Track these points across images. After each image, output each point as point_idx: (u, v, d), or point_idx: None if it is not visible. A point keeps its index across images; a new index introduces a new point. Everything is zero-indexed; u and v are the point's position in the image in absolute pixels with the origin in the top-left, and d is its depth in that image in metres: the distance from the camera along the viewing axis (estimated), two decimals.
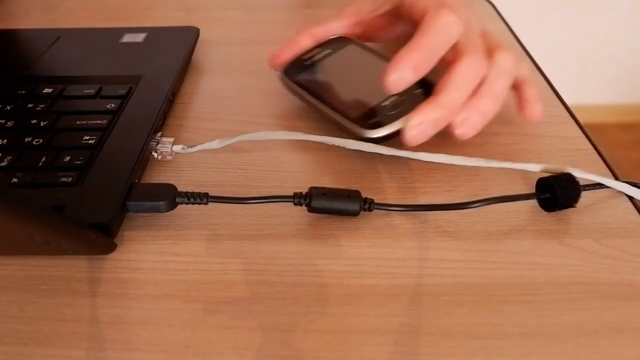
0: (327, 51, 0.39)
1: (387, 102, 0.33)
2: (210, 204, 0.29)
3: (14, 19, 0.53)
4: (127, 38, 0.45)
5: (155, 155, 0.34)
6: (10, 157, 0.31)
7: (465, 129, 0.33)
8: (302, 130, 0.35)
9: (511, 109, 0.38)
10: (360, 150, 0.33)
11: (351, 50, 0.39)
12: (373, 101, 0.34)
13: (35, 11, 0.54)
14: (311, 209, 0.29)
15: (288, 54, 0.39)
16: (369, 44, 0.39)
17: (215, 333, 0.24)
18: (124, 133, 0.34)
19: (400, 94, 0.33)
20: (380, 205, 0.30)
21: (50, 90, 0.37)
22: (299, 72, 0.38)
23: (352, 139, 0.33)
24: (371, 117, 0.33)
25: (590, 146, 0.35)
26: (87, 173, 0.30)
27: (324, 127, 0.37)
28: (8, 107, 0.36)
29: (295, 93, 0.37)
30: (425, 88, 0.33)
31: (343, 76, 0.37)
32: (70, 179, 0.30)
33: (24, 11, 0.54)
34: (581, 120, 0.38)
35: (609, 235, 0.29)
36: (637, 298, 0.26)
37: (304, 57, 0.39)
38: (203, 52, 0.46)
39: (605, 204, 0.31)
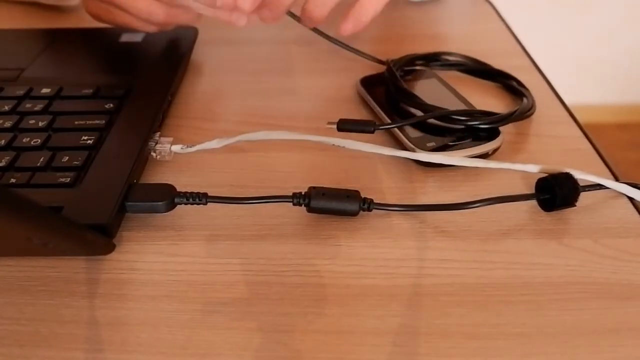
0: (407, 77, 0.40)
1: (449, 134, 0.34)
2: (209, 204, 0.29)
3: (12, 19, 0.53)
4: (126, 38, 0.45)
5: (154, 155, 0.34)
6: (7, 158, 0.31)
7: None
8: (301, 131, 0.35)
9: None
10: (360, 150, 0.32)
11: (431, 82, 0.40)
12: (437, 129, 0.34)
13: (35, 10, 0.54)
14: (310, 209, 0.29)
15: None
16: (450, 83, 0.40)
17: (213, 334, 0.24)
18: (123, 133, 0.34)
19: (465, 132, 0.34)
20: (379, 205, 0.30)
21: (48, 90, 0.37)
22: (376, 85, 0.39)
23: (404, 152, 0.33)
24: (430, 141, 0.33)
25: (589, 146, 0.35)
26: (85, 173, 0.30)
27: (323, 126, 0.37)
28: (6, 107, 0.36)
29: (364, 101, 0.39)
30: (491, 133, 0.34)
31: None
32: (68, 179, 0.30)
33: (22, 10, 0.54)
34: (579, 120, 0.38)
35: (608, 235, 0.29)
36: (635, 298, 0.26)
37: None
38: (202, 52, 0.46)
39: (604, 203, 0.31)
